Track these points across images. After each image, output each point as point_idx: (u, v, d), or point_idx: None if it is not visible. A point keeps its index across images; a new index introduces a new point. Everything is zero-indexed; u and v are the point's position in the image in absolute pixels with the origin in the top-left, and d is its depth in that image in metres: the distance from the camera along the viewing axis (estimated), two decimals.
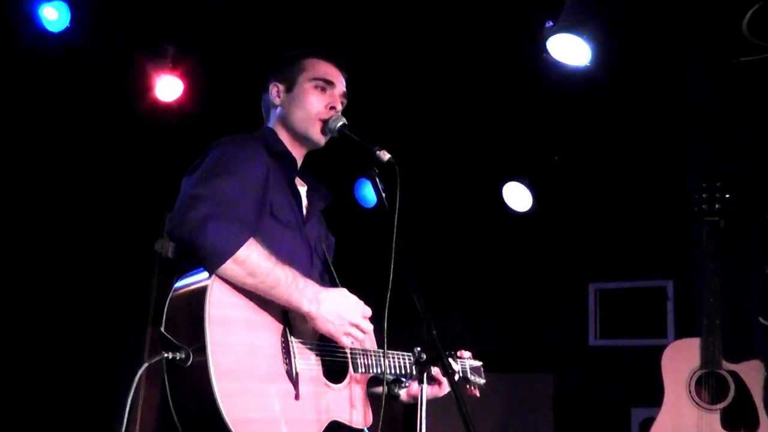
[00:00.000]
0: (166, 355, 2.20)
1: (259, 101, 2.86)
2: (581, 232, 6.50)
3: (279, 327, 2.40)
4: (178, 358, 2.20)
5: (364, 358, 2.58)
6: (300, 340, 2.45)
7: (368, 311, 2.51)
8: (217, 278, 2.29)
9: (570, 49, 4.55)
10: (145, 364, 2.21)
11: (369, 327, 2.49)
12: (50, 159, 5.73)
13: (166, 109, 5.50)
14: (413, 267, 2.43)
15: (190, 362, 2.20)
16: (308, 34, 4.97)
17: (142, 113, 5.48)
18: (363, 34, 5.10)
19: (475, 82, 5.54)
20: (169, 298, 2.31)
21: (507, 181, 6.21)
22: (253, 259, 2.30)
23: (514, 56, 5.13)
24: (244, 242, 2.30)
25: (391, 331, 2.41)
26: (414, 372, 2.52)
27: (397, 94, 5.67)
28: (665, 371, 4.24)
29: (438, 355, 2.34)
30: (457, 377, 2.72)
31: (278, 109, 2.77)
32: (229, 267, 2.28)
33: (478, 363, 3.00)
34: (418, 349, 2.37)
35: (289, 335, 2.42)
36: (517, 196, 6.22)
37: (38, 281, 5.69)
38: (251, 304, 2.35)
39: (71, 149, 5.77)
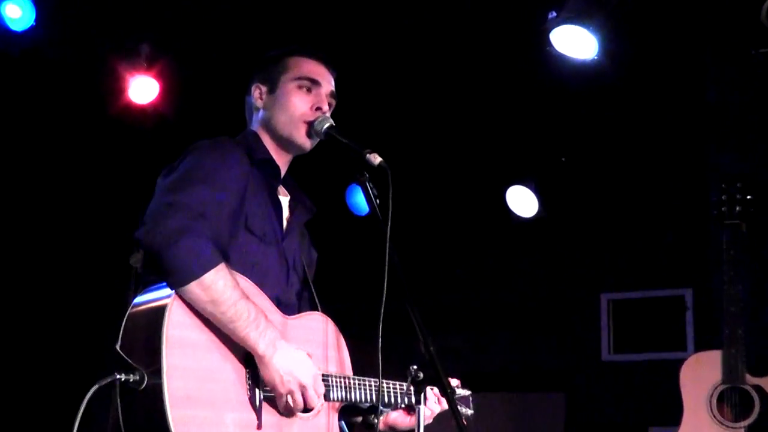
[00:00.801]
0: (119, 376, 2.20)
1: (243, 104, 2.87)
2: (592, 239, 6.50)
3: (243, 351, 2.40)
4: (131, 380, 2.20)
5: (338, 383, 2.57)
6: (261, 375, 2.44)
7: (322, 388, 2.47)
8: (178, 297, 2.30)
9: (575, 42, 4.57)
10: (96, 386, 2.21)
11: (316, 400, 2.44)
12: (15, 167, 5.73)
13: (141, 112, 5.50)
14: (408, 279, 2.44)
15: (144, 385, 2.20)
16: (295, 29, 4.98)
17: (115, 117, 5.49)
18: (354, 29, 5.11)
19: (474, 77, 5.55)
20: (126, 314, 2.32)
21: (511, 185, 6.22)
22: (218, 287, 2.30)
23: (515, 50, 5.15)
24: (215, 266, 2.31)
25: (385, 350, 2.41)
26: (394, 401, 2.52)
27: (390, 92, 5.68)
28: (684, 387, 4.24)
29: (436, 373, 2.34)
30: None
31: (261, 112, 2.77)
32: (192, 289, 2.28)
33: (466, 392, 2.98)
34: (415, 367, 2.37)
35: (254, 361, 2.41)
36: (522, 201, 6.22)
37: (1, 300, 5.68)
38: (214, 326, 2.35)
39: (38, 156, 5.77)
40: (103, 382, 2.21)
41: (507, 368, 6.61)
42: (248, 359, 2.40)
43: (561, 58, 4.68)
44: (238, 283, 2.36)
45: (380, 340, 2.41)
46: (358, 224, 6.21)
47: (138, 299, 2.35)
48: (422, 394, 2.38)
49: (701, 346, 5.43)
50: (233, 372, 2.36)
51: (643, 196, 6.23)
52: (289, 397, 2.40)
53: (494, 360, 6.65)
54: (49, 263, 5.88)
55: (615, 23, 4.56)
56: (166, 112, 5.53)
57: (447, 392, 2.34)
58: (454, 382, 2.94)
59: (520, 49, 5.10)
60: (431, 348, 2.36)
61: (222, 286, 2.31)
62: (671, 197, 6.10)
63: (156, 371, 2.19)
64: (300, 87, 2.74)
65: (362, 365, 2.59)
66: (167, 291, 2.30)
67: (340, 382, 2.58)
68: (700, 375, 4.23)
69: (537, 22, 4.64)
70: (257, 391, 2.39)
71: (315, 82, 2.75)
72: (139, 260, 2.38)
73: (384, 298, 2.42)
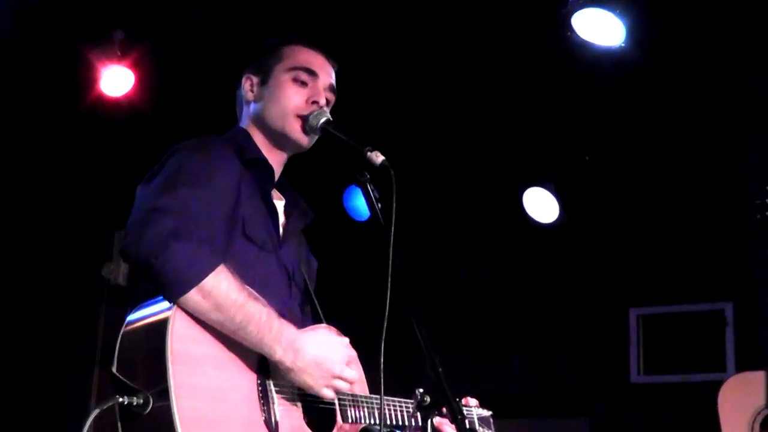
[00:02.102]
0: (120, 399, 2.20)
1: (227, 97, 2.88)
2: (618, 247, 6.51)
3: (254, 367, 2.41)
4: (134, 403, 2.20)
5: (354, 407, 2.59)
6: (280, 383, 2.46)
7: (353, 353, 2.52)
8: (179, 308, 2.30)
9: (599, 27, 4.58)
10: (95, 411, 2.21)
11: (353, 375, 2.49)
12: None
13: (114, 105, 5.52)
14: (414, 291, 2.45)
15: (149, 408, 2.20)
16: (290, 15, 5.00)
17: (86, 111, 5.50)
18: (359, 15, 5.13)
19: (486, 66, 5.56)
20: (121, 333, 2.31)
21: (528, 187, 6.23)
22: (221, 290, 2.31)
23: (533, 36, 5.16)
24: (213, 269, 2.31)
25: (389, 369, 2.42)
26: (413, 422, 2.53)
27: (396, 84, 5.70)
28: (723, 411, 4.25)
29: (445, 397, 2.34)
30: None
31: (252, 106, 2.79)
32: (192, 297, 2.29)
33: (486, 413, 3.00)
34: (421, 390, 2.38)
35: (266, 377, 2.43)
36: (541, 205, 6.24)
37: None
38: (221, 339, 2.36)
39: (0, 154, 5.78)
40: (104, 407, 2.20)
41: (524, 391, 6.61)
42: (262, 368, 2.42)
43: (583, 45, 4.70)
44: (243, 284, 2.37)
45: (382, 359, 2.42)
46: (358, 230, 6.23)
47: (132, 316, 2.34)
48: (429, 421, 2.38)
49: (742, 366, 5.44)
50: (245, 389, 2.37)
51: (676, 199, 6.24)
52: (330, 390, 2.45)
53: (509, 382, 6.66)
54: (12, 272, 5.89)
55: (643, 5, 4.58)
56: (141, 105, 5.54)
57: (457, 418, 2.34)
58: (473, 402, 2.95)
59: (538, 36, 5.12)
60: (439, 368, 2.36)
61: (225, 289, 2.32)
62: (707, 199, 6.11)
63: (162, 392, 2.19)
64: (295, 79, 2.74)
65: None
66: (165, 304, 2.30)
67: (360, 403, 2.61)
68: (741, 398, 4.24)
69: (557, 5, 4.66)
70: (271, 408, 2.41)
71: (312, 74, 2.76)
72: (111, 271, 2.38)
73: (386, 313, 2.42)
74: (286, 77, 2.75)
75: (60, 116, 5.68)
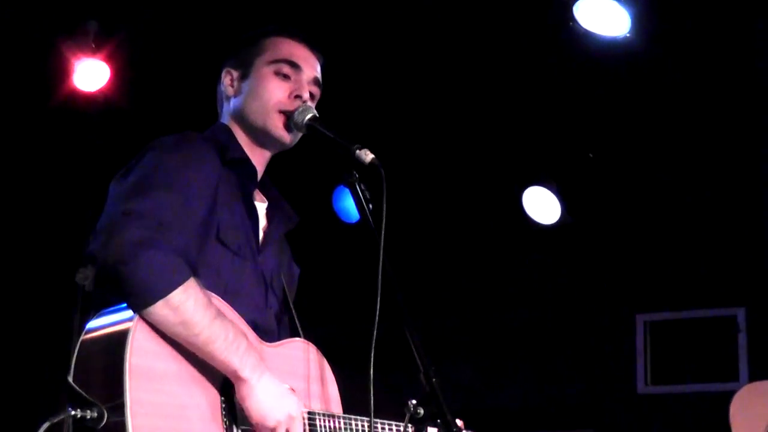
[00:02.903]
0: (73, 412, 2.21)
1: (207, 92, 2.88)
2: (624, 250, 6.52)
3: (220, 380, 2.42)
4: (88, 417, 2.21)
5: (325, 423, 2.59)
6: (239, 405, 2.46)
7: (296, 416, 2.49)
8: (141, 320, 2.31)
9: (603, 16, 4.59)
10: (46, 423, 2.22)
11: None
12: None
13: (89, 100, 5.51)
14: (407, 297, 2.45)
15: (103, 423, 2.21)
16: (275, 7, 5.00)
17: (58, 106, 5.50)
18: (349, 7, 5.13)
19: (485, 59, 5.57)
20: (80, 341, 2.33)
21: (528, 186, 6.24)
22: (188, 306, 2.32)
23: (534, 26, 5.17)
24: (182, 283, 2.33)
25: (379, 382, 2.43)
26: None
27: (387, 76, 5.70)
28: (735, 423, 4.26)
29: (439, 410, 2.35)
30: None
31: (232, 102, 2.79)
32: (158, 310, 2.30)
33: None
34: (414, 402, 2.38)
35: (231, 396, 2.43)
36: (542, 205, 6.24)
37: None
38: (185, 354, 2.37)
39: None
40: (55, 419, 2.22)
41: (524, 403, 6.62)
42: (225, 389, 2.43)
43: (587, 36, 4.71)
44: (211, 301, 2.38)
45: (372, 370, 2.42)
46: (347, 233, 6.23)
47: (92, 324, 2.36)
48: None
49: (756, 375, 5.46)
50: (208, 407, 2.38)
51: (685, 199, 6.25)
52: (276, 430, 2.43)
53: (509, 393, 6.67)
54: None
55: None
56: (117, 100, 5.54)
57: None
58: (458, 422, 2.95)
59: (539, 26, 5.13)
60: (434, 379, 2.36)
61: (193, 305, 2.33)
62: (718, 199, 6.12)
63: (117, 407, 2.20)
64: (277, 72, 2.75)
65: (351, 400, 2.61)
66: (128, 313, 2.31)
67: (328, 421, 2.60)
68: (755, 409, 4.25)
69: None
70: (234, 428, 2.41)
71: (295, 66, 2.76)
72: (86, 277, 2.38)
73: (377, 320, 2.43)
74: (268, 70, 2.75)
75: (31, 112, 5.67)
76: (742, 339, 6.18)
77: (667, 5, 4.90)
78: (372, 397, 2.44)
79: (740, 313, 6.22)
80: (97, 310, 2.38)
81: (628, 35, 4.61)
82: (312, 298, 2.90)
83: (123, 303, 2.33)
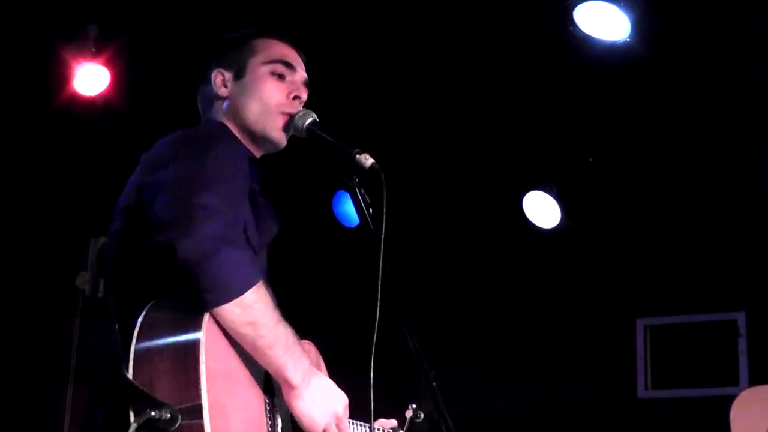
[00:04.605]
0: (153, 413, 2.16)
1: (196, 95, 2.87)
2: (624, 254, 6.52)
3: (261, 386, 2.44)
4: (163, 418, 2.17)
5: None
6: (282, 406, 2.48)
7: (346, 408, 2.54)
8: (211, 320, 2.30)
9: (603, 21, 4.60)
10: (134, 425, 2.17)
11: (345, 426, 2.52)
12: None
13: (89, 104, 5.52)
14: (407, 301, 2.46)
15: (177, 425, 2.18)
16: (273, 11, 5.00)
17: (58, 110, 5.50)
18: (348, 10, 5.14)
19: (485, 63, 5.58)
20: (137, 335, 2.27)
21: (529, 191, 6.24)
22: (258, 307, 2.32)
23: (534, 30, 5.17)
24: (255, 283, 2.32)
25: (379, 386, 2.43)
26: None
27: (386, 80, 5.71)
28: (736, 427, 4.27)
29: (440, 413, 2.36)
30: None
31: (226, 102, 2.77)
32: (230, 309, 2.28)
33: None
34: (414, 406, 2.39)
35: (272, 397, 2.45)
36: (542, 209, 6.25)
37: None
38: (240, 354, 2.37)
39: None
40: (141, 420, 2.16)
41: (525, 407, 6.62)
42: (267, 387, 2.44)
43: (586, 40, 4.71)
44: (275, 305, 2.38)
45: (372, 374, 2.43)
46: (347, 237, 6.23)
47: (146, 318, 2.30)
48: None
49: (756, 380, 5.47)
50: (259, 408, 2.40)
51: (686, 202, 6.25)
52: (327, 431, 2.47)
53: (509, 397, 6.66)
54: None
55: None
56: (117, 105, 5.55)
57: None
58: None
59: (539, 30, 5.13)
60: (434, 383, 2.37)
61: (263, 306, 2.33)
62: (718, 203, 6.12)
63: (194, 409, 2.18)
64: (273, 72, 2.75)
65: (351, 403, 2.61)
66: (191, 312, 2.28)
67: (352, 427, 2.63)
68: (755, 414, 4.25)
69: None
70: (277, 425, 2.44)
71: (290, 67, 2.77)
72: (86, 281, 2.37)
73: (377, 324, 2.43)
74: (264, 71, 2.75)
75: (31, 116, 5.67)
76: (742, 343, 6.18)
77: (667, 10, 4.90)
78: (372, 402, 2.45)
79: (740, 318, 6.22)
80: (139, 302, 2.33)
81: (627, 40, 4.61)
82: (312, 302, 2.91)
83: (167, 297, 2.30)
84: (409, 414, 2.41)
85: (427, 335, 2.46)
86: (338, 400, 2.49)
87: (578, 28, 4.65)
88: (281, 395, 2.47)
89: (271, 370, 2.40)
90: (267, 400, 2.44)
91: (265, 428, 2.40)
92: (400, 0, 5.17)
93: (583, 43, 4.74)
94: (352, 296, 4.55)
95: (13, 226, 6.06)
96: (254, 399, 2.39)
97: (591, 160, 6.09)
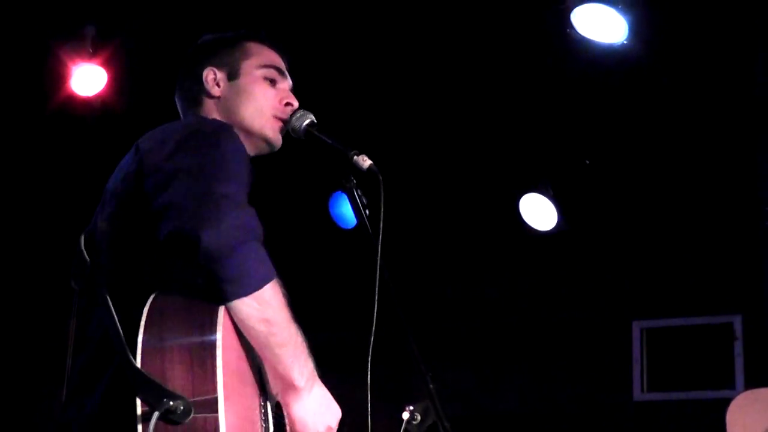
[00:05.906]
0: (172, 403, 2.12)
1: (180, 91, 2.86)
2: (621, 256, 6.53)
3: (258, 377, 2.44)
4: (177, 410, 2.14)
5: None
6: (272, 406, 2.48)
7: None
8: (226, 313, 2.26)
9: (601, 23, 4.60)
10: (156, 414, 2.12)
11: None
12: None
13: (86, 105, 5.52)
14: (404, 303, 2.45)
15: (189, 418, 2.15)
16: (269, 13, 5.01)
17: (55, 111, 5.50)
18: (345, 11, 5.14)
19: (481, 65, 5.58)
20: (144, 323, 2.23)
21: (525, 193, 6.25)
22: (273, 304, 2.29)
23: (530, 33, 5.18)
24: (272, 279, 2.30)
25: (375, 388, 2.43)
26: None
27: (383, 82, 5.71)
28: (732, 430, 4.26)
29: (437, 416, 2.36)
30: None
31: (219, 102, 2.76)
32: (247, 303, 2.25)
33: None
34: (411, 408, 2.39)
35: (265, 398, 2.45)
36: (538, 212, 6.25)
37: None
38: (246, 351, 2.37)
39: None
40: (161, 410, 2.11)
41: (520, 409, 6.62)
42: (261, 387, 2.44)
43: (583, 43, 4.71)
44: (286, 303, 2.37)
45: (369, 376, 2.42)
46: (344, 238, 6.23)
47: (154, 306, 2.25)
48: None
49: (752, 383, 5.47)
50: (257, 407, 2.40)
51: (682, 205, 6.26)
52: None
53: (505, 400, 6.66)
54: None
55: (647, 1, 4.60)
56: (114, 105, 5.54)
57: None
58: None
59: (536, 33, 5.14)
60: (431, 385, 2.37)
61: (278, 304, 2.30)
62: (715, 206, 6.13)
63: (208, 403, 2.16)
64: (266, 77, 2.75)
65: (347, 405, 2.61)
66: (203, 298, 2.24)
67: None
68: (752, 417, 4.25)
69: (555, 0, 4.67)
70: (270, 425, 2.43)
71: (281, 74, 2.77)
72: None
73: (374, 326, 2.43)
74: (258, 74, 2.74)
75: (28, 117, 5.67)
76: (738, 346, 6.19)
77: (665, 12, 4.91)
78: (369, 403, 2.44)
79: (737, 321, 6.23)
80: (143, 289, 2.28)
81: (625, 42, 4.61)
82: (308, 304, 2.90)
83: (177, 283, 2.26)
84: (405, 416, 2.40)
85: (423, 337, 2.45)
86: (334, 412, 2.49)
87: (575, 30, 4.65)
88: (270, 394, 2.47)
89: (278, 369, 2.38)
90: (261, 401, 2.43)
91: (260, 428, 2.39)
92: (397, 1, 5.17)
93: (581, 45, 4.75)
94: (349, 298, 4.55)
95: (9, 226, 6.05)
96: (254, 397, 2.40)
97: (587, 162, 6.10)
